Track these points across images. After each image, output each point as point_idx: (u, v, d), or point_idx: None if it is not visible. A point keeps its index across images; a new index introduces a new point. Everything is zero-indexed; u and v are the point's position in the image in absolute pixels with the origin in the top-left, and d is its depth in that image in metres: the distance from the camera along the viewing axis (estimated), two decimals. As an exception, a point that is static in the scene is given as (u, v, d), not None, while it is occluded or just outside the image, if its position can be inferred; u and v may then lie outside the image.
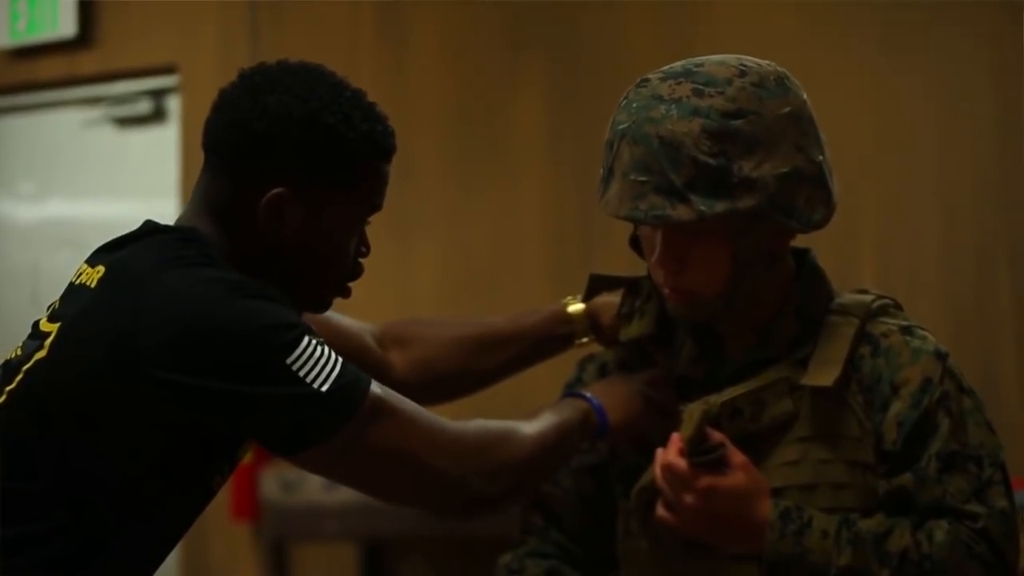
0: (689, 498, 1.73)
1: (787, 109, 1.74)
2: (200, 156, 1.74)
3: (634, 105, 1.74)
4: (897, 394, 1.76)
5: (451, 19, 4.17)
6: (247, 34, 4.39)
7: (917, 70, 3.57)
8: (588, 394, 1.86)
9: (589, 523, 1.95)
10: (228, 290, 1.59)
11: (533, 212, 4.04)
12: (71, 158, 4.85)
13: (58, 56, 4.74)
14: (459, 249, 4.16)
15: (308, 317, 1.81)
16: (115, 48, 4.66)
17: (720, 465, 1.73)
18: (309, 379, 1.58)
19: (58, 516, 1.58)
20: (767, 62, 1.78)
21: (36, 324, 1.69)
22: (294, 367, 1.57)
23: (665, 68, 1.77)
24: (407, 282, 4.14)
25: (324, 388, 1.58)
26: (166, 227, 1.70)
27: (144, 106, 4.68)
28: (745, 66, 1.75)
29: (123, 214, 4.63)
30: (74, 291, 1.68)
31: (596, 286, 2.00)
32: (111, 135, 4.77)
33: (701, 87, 1.72)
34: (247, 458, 1.74)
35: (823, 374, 1.77)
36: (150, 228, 1.70)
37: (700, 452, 1.73)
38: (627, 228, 1.87)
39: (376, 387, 1.64)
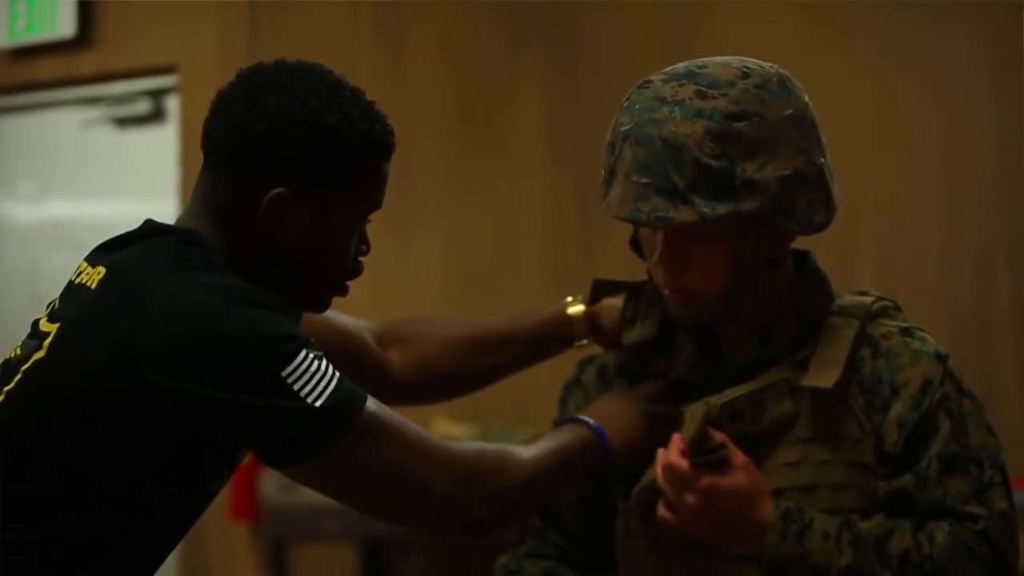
0: (690, 498, 1.73)
1: (789, 111, 1.74)
2: (199, 156, 1.73)
3: (637, 107, 1.74)
4: (897, 396, 1.76)
5: (450, 19, 4.17)
6: (246, 34, 4.38)
7: (917, 70, 3.57)
8: (589, 419, 1.83)
9: (588, 524, 1.95)
10: (230, 297, 1.58)
11: (532, 212, 4.04)
12: (70, 158, 4.85)
13: (57, 56, 4.74)
14: (458, 249, 4.16)
15: (308, 316, 1.81)
16: (114, 48, 4.66)
17: (721, 465, 1.73)
18: (303, 393, 1.57)
19: (58, 519, 1.57)
20: (769, 64, 1.78)
21: (35, 323, 1.68)
22: (289, 380, 1.56)
23: (668, 70, 1.77)
24: (406, 282, 4.14)
25: (318, 403, 1.57)
26: (167, 228, 1.69)
27: (143, 106, 4.68)
28: (748, 68, 1.75)
29: (122, 214, 4.63)
30: (73, 290, 1.67)
31: (600, 291, 1.99)
32: (110, 135, 4.77)
33: (704, 89, 1.71)
34: (246, 459, 1.73)
35: (823, 376, 1.76)
36: (151, 229, 1.69)
37: (701, 452, 1.73)
38: (627, 228, 1.87)
39: (372, 403, 1.62)
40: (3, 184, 4.98)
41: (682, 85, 1.73)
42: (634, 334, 1.90)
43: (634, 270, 1.97)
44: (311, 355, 1.58)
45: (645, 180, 1.71)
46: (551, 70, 4.02)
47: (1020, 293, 3.45)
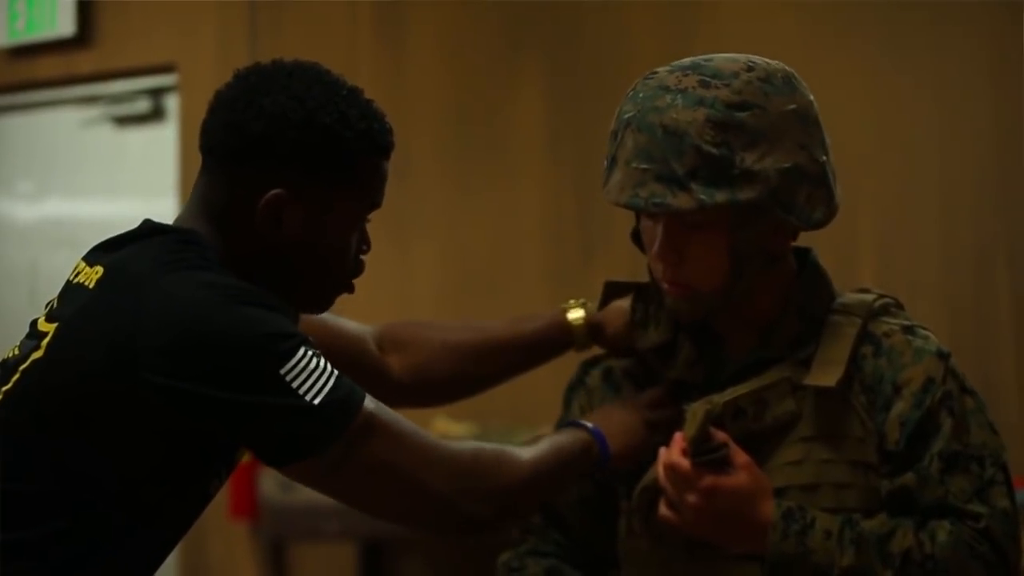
0: (692, 497, 1.73)
1: (792, 106, 1.74)
2: (199, 156, 1.73)
3: (640, 95, 1.74)
4: (899, 394, 1.76)
5: (450, 19, 4.16)
6: (246, 33, 4.38)
7: (917, 70, 3.57)
8: (589, 423, 1.84)
9: (590, 523, 1.95)
10: (227, 296, 1.58)
11: (532, 212, 4.04)
12: (69, 157, 4.85)
13: (57, 55, 4.74)
14: (458, 249, 4.15)
15: (307, 319, 1.80)
16: (114, 47, 4.66)
17: (723, 465, 1.73)
18: (302, 391, 1.56)
19: (56, 519, 1.57)
20: (776, 62, 1.78)
21: (34, 323, 1.68)
22: (287, 378, 1.56)
23: (674, 63, 1.78)
24: (405, 282, 4.14)
25: (316, 401, 1.56)
26: (165, 227, 1.69)
27: (143, 105, 4.68)
28: (753, 63, 1.75)
29: (121, 213, 4.63)
30: (72, 290, 1.67)
31: (611, 293, 1.98)
32: (109, 134, 4.77)
33: (708, 79, 1.72)
34: (245, 457, 1.73)
35: (826, 374, 1.76)
36: (149, 228, 1.69)
37: (703, 452, 1.73)
38: (626, 228, 1.87)
39: (370, 402, 1.62)
40: (2, 183, 4.98)
41: (686, 75, 1.73)
42: (649, 338, 1.89)
43: (635, 271, 1.96)
44: (309, 352, 1.58)
45: (645, 166, 1.71)
46: (551, 70, 4.02)
47: (1020, 293, 3.45)
